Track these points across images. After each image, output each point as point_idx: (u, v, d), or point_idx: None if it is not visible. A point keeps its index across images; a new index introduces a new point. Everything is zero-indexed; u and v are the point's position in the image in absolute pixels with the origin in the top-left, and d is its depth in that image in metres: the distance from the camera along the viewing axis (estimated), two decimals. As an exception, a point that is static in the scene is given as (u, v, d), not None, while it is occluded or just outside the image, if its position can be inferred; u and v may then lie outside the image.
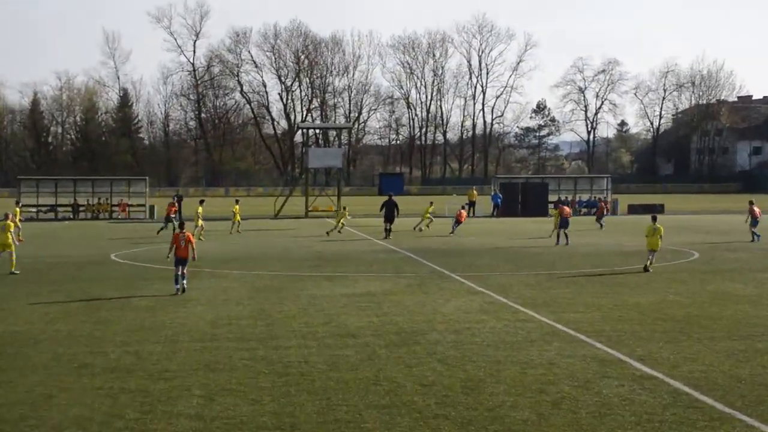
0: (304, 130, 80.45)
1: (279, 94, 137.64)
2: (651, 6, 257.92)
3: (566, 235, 34.15)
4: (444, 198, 76.48)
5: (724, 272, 24.34)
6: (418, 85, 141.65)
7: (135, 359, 13.04)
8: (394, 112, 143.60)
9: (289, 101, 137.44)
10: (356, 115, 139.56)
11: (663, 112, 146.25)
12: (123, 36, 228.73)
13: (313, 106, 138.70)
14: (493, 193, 59.96)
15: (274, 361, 12.83)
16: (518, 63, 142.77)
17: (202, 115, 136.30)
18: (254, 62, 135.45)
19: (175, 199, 49.30)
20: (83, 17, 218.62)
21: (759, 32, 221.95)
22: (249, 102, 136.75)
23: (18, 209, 42.46)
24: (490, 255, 30.14)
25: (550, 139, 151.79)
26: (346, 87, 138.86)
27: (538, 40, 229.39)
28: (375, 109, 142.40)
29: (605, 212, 47.43)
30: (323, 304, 18.46)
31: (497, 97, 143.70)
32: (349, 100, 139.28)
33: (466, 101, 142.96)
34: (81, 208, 58.13)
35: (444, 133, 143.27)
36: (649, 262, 24.56)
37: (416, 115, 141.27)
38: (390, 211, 38.46)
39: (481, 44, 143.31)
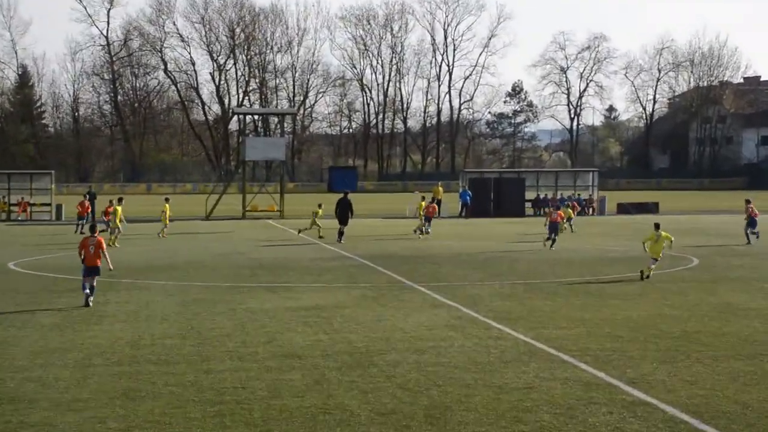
0: (241, 116, 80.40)
1: (210, 73, 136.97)
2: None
3: (553, 240, 34.56)
4: (405, 196, 76.77)
5: (728, 281, 24.73)
6: (374, 63, 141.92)
7: (38, 387, 12.87)
8: (345, 95, 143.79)
9: (223, 82, 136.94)
10: (302, 98, 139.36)
11: (657, 96, 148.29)
12: (20, 2, 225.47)
13: (251, 88, 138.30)
14: (461, 190, 60.27)
15: (205, 387, 12.76)
16: (490, 38, 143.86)
17: (119, 98, 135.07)
18: (180, 36, 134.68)
19: (87, 197, 48.85)
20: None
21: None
22: (175, 83, 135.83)
23: None
24: (459, 262, 30.26)
25: (527, 127, 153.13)
26: (290, 66, 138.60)
27: (512, 11, 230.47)
28: (324, 92, 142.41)
29: (574, 214, 47.96)
30: (264, 319, 18.39)
31: (466, 78, 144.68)
32: (293, 82, 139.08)
33: (429, 83, 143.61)
34: (-29, 208, 57.23)
35: (404, 120, 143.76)
36: (648, 269, 24.88)
37: (372, 99, 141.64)
38: (343, 212, 38.49)
39: (446, 16, 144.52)
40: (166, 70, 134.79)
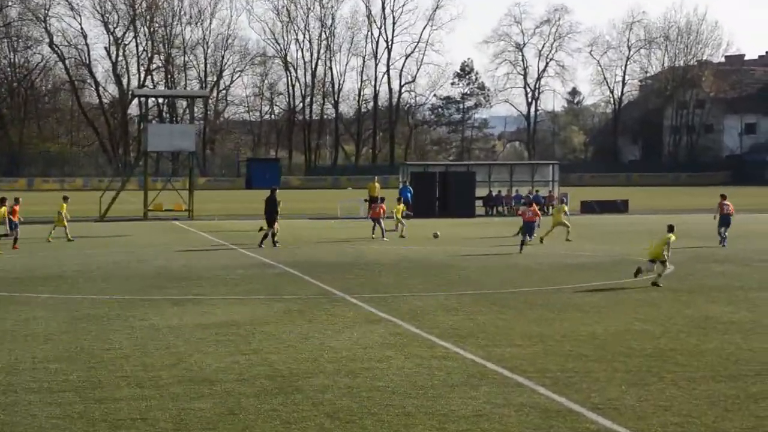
0: (142, 99, 79.62)
1: (106, 48, 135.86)
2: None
3: (522, 244, 34.89)
4: (336, 193, 76.85)
5: (708, 291, 25.08)
6: (300, 39, 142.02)
7: None
8: (267, 75, 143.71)
9: (120, 59, 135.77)
10: (215, 79, 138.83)
11: (627, 78, 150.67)
12: None
13: (155, 66, 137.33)
14: (401, 186, 60.35)
15: (97, 419, 12.61)
16: (435, 9, 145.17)
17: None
18: (69, 3, 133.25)
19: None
20: None
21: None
22: (62, 59, 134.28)
23: None
24: (399, 270, 30.31)
25: (477, 113, 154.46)
26: (201, 40, 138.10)
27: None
28: (241, 72, 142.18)
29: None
30: (168, 338, 18.25)
31: (407, 57, 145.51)
32: (205, 59, 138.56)
33: (365, 62, 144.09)
34: None
35: (335, 105, 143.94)
36: (657, 276, 25.44)
37: (297, 80, 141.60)
38: (270, 211, 38.27)
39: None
40: (51, 44, 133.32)
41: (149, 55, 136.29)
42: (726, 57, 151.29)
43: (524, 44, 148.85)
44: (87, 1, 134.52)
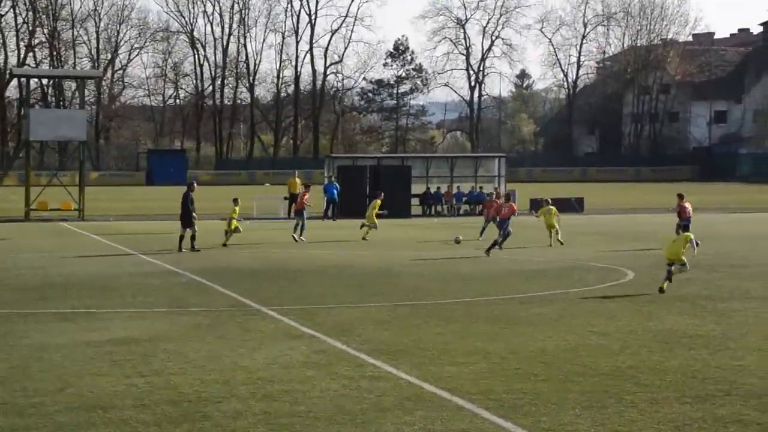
0: (23, 80, 78.62)
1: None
2: None
3: (495, 243, 35.16)
4: (252, 189, 76.51)
5: (671, 301, 25.36)
6: (209, 11, 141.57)
7: None
8: (170, 54, 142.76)
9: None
10: (109, 57, 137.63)
11: (582, 59, 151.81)
12: None
13: (38, 40, 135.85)
14: (326, 182, 60.45)
15: (-27, 452, 12.49)
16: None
17: None
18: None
19: None
20: None
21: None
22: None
23: None
24: (324, 277, 30.32)
25: (414, 98, 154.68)
26: (92, 12, 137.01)
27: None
28: (140, 49, 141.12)
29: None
30: (55, 358, 18.08)
31: (333, 33, 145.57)
32: (97, 34, 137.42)
33: (284, 39, 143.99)
34: None
35: (251, 89, 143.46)
36: (665, 282, 25.90)
37: (206, 59, 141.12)
38: (184, 210, 38.33)
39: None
40: None
41: (30, 27, 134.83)
42: (694, 36, 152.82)
43: (466, 20, 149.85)
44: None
